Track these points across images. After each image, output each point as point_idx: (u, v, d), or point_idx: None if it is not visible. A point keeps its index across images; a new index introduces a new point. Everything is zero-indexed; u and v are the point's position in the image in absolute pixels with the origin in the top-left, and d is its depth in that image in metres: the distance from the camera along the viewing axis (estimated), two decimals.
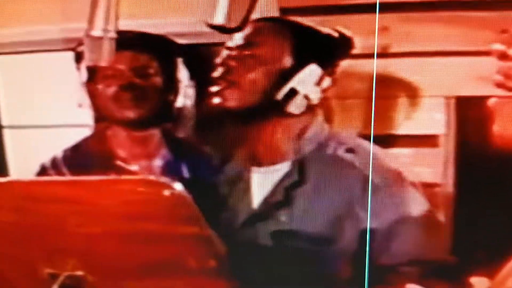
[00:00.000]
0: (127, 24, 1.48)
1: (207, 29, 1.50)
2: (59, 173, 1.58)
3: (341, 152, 1.49)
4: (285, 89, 1.47)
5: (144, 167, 1.59)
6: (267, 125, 1.51)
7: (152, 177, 1.45)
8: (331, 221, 1.45)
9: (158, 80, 1.57)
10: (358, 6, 1.50)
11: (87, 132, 1.63)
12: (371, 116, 1.49)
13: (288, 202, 1.48)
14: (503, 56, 1.39)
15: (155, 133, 1.61)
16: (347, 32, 1.49)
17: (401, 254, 1.44)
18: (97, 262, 1.35)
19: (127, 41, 1.51)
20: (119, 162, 1.58)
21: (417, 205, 1.46)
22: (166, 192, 1.28)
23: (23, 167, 1.66)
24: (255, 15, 1.50)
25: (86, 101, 1.59)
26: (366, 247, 1.44)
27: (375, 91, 1.48)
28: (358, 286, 1.45)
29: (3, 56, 1.67)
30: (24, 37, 1.64)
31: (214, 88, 1.51)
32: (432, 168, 1.53)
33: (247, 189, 1.53)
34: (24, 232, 1.35)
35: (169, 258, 1.34)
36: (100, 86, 1.56)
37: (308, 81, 1.47)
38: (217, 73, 1.51)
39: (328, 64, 1.48)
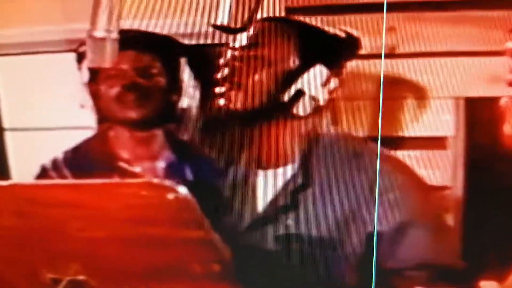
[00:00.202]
0: (130, 24, 1.47)
1: (211, 30, 1.49)
2: (60, 174, 1.57)
3: (347, 154, 1.47)
4: (292, 90, 1.45)
5: (147, 168, 1.59)
6: (273, 127, 1.49)
7: (155, 181, 1.44)
8: (338, 224, 1.44)
9: (161, 80, 1.57)
10: (365, 5, 1.49)
11: (89, 134, 1.63)
12: (379, 117, 1.48)
13: (294, 205, 1.47)
14: None
15: (158, 134, 1.61)
16: (354, 32, 1.48)
17: (408, 258, 1.42)
18: (100, 267, 1.34)
19: (130, 40, 1.50)
20: (121, 163, 1.57)
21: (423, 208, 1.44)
22: (170, 196, 1.26)
23: (24, 170, 1.66)
24: (260, 15, 1.49)
25: (89, 102, 1.59)
26: (373, 250, 1.42)
27: (383, 92, 1.47)
28: None
29: (5, 58, 1.67)
30: (25, 38, 1.64)
31: (218, 90, 1.50)
32: (441, 170, 1.53)
33: (252, 192, 1.51)
34: (26, 236, 1.34)
35: (173, 263, 1.33)
36: (102, 87, 1.56)
37: (314, 82, 1.46)
38: (221, 74, 1.49)
39: (334, 65, 1.47)
